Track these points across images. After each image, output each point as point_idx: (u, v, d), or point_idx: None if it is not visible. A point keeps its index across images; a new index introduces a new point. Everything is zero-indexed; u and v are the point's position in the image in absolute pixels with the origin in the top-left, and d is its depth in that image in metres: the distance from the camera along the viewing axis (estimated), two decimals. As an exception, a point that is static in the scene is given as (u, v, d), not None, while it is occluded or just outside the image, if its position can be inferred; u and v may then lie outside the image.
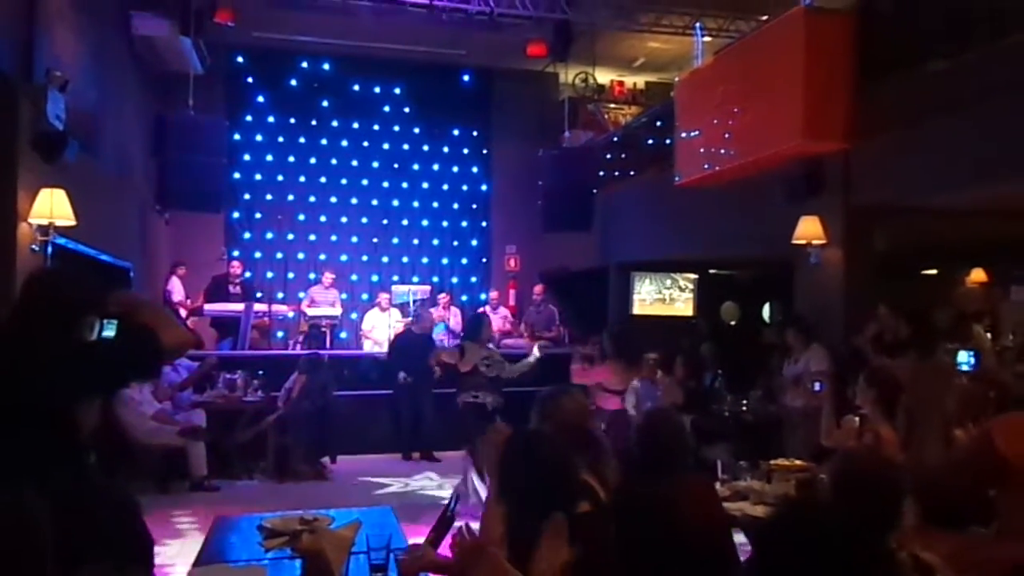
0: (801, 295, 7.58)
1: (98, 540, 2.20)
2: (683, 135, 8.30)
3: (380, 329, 10.07)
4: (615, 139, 11.48)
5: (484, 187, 12.93)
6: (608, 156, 11.37)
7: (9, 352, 2.25)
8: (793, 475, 4.12)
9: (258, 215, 12.02)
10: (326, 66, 12.07)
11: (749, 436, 6.91)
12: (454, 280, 12.77)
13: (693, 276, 11.05)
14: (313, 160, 12.18)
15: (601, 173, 11.28)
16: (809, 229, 7.04)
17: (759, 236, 7.98)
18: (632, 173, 10.91)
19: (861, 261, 7.05)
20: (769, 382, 7.41)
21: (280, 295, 11.56)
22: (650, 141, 10.42)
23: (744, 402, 7.51)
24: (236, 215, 11.81)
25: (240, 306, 9.62)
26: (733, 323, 11.20)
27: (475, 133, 12.86)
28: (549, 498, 2.29)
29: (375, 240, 12.41)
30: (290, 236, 12.06)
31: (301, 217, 12.13)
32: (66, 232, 6.11)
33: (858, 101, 6.37)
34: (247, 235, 11.91)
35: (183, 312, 9.70)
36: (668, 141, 9.07)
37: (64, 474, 2.14)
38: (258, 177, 11.99)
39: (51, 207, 5.81)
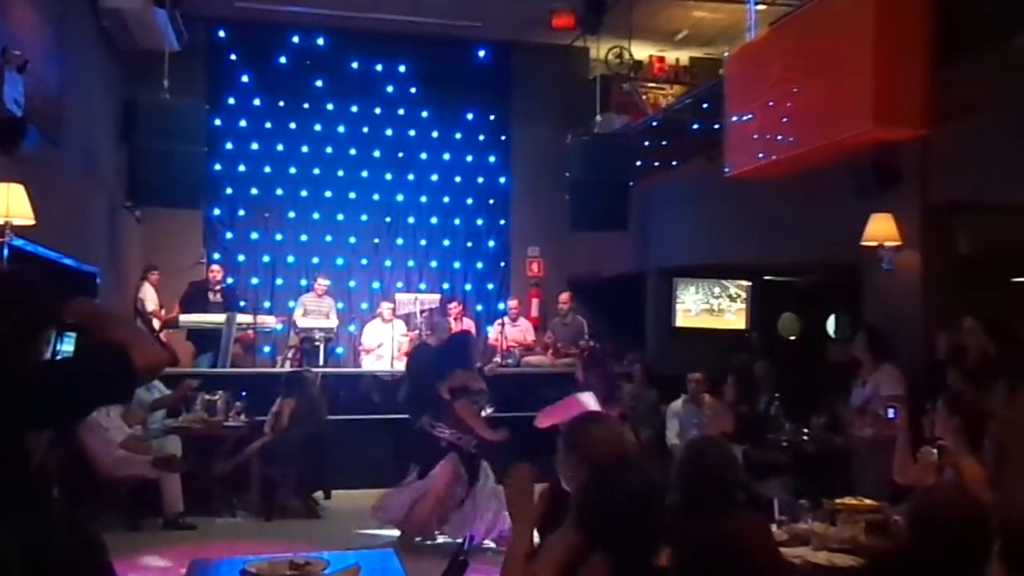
0: (871, 306, 7.54)
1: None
2: (734, 119, 8.25)
3: (384, 345, 10.14)
4: (654, 124, 11.42)
5: (503, 179, 12.93)
6: (646, 144, 11.30)
7: None
8: (862, 516, 4.11)
9: (242, 212, 12.05)
10: (320, 41, 12.10)
11: (810, 470, 6.89)
12: (468, 287, 12.76)
13: (746, 283, 11.04)
14: (305, 149, 12.19)
15: (638, 163, 11.17)
16: (881, 229, 7.00)
17: (823, 237, 7.95)
18: (674, 163, 10.86)
19: (941, 266, 7.00)
20: (834, 408, 7.37)
21: (267, 304, 11.57)
22: (695, 126, 10.33)
23: (805, 431, 7.47)
24: (217, 212, 11.86)
25: (221, 317, 9.69)
26: (792, 338, 11.16)
27: (492, 117, 12.85)
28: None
29: (376, 241, 12.43)
30: (278, 236, 12.10)
31: (291, 214, 12.16)
32: (23, 232, 6.15)
33: (937, 80, 6.32)
34: (229, 235, 11.95)
35: (156, 323, 9.79)
36: (716, 126, 9.00)
37: (18, 510, 2.14)
38: (242, 168, 12.02)
39: (7, 204, 5.84)
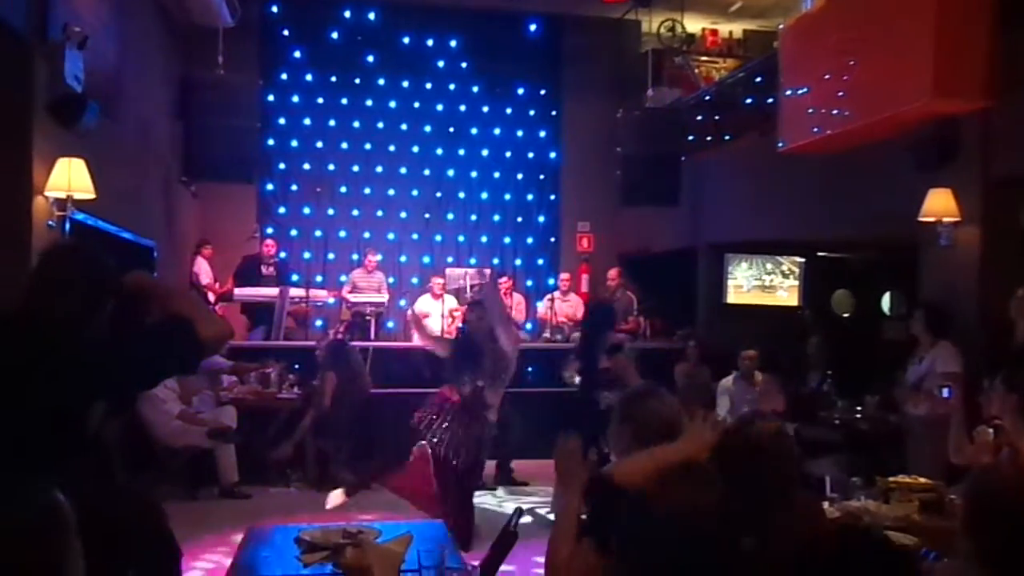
0: (928, 283, 7.41)
1: (120, 548, 2.39)
2: (788, 93, 8.15)
3: (433, 318, 10.16)
4: (707, 98, 11.26)
5: (553, 154, 12.90)
6: (699, 118, 11.16)
7: (26, 338, 2.28)
8: (916, 495, 4.08)
9: (294, 187, 12.16)
10: (372, 16, 12.13)
11: (863, 449, 6.83)
12: (517, 262, 12.80)
13: (799, 259, 10.92)
14: (357, 124, 12.25)
15: (691, 138, 11.11)
16: (939, 204, 6.88)
17: (879, 212, 7.81)
18: (727, 138, 10.72)
19: (1002, 242, 6.82)
20: (888, 386, 7.27)
21: (319, 278, 11.65)
22: (749, 100, 10.22)
23: (858, 409, 7.41)
24: (270, 187, 11.98)
25: (274, 291, 9.81)
26: (846, 315, 11.02)
27: (543, 92, 12.81)
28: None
29: (427, 216, 12.49)
30: (330, 211, 12.19)
31: (343, 189, 12.25)
32: (84, 206, 6.27)
33: (1000, 50, 6.15)
34: (282, 210, 12.08)
35: (211, 296, 9.94)
36: (770, 100, 8.94)
37: (77, 477, 2.18)
38: (294, 144, 12.11)
39: (69, 178, 5.93)
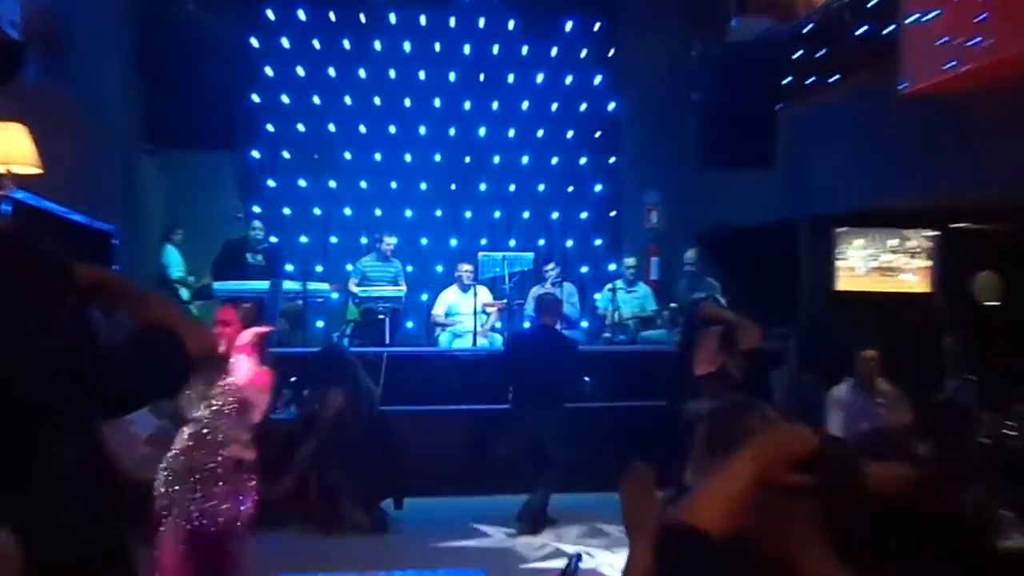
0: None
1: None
2: (913, 19, 8.06)
3: (461, 315, 10.19)
4: (808, 29, 11.08)
5: (611, 106, 12.83)
6: (799, 54, 11.05)
7: None
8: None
9: (286, 154, 12.14)
10: (380, -65, 12.17)
11: (1017, 473, 6.75)
12: (569, 244, 12.77)
13: (930, 233, 10.73)
14: (363, 73, 12.26)
15: (787, 80, 10.90)
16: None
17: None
18: (834, 79, 10.44)
19: None
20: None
21: (319, 268, 11.54)
22: (862, 30, 10.01)
23: (1008, 423, 7.33)
24: (255, 155, 11.97)
25: (264, 284, 9.76)
26: (993, 303, 10.81)
27: (597, 26, 12.78)
28: None
29: (453, 187, 12.54)
30: (332, 184, 12.21)
31: (347, 156, 12.26)
32: (26, 182, 6.27)
33: None
34: (271, 183, 12.08)
35: (185, 293, 9.97)
36: (890, 29, 8.86)
37: (30, 511, 2.19)
38: (285, 100, 12.11)
39: (6, 148, 5.95)
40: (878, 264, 10.70)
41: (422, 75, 12.43)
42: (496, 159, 12.66)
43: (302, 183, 12.19)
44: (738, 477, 2.03)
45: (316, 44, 12.17)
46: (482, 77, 12.53)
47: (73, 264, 2.38)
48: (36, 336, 2.25)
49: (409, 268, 11.55)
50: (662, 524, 2.25)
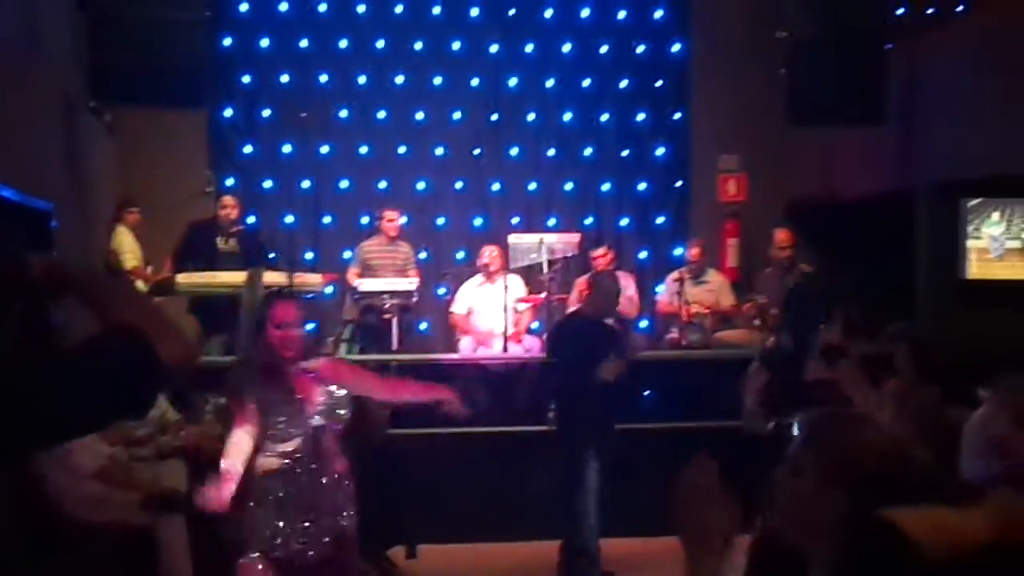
0: None
1: None
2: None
3: (486, 314, 10.07)
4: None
5: (677, 47, 12.28)
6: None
7: None
8: None
9: (267, 112, 11.73)
10: None
11: None
12: (624, 222, 12.30)
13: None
14: (362, 9, 11.77)
15: (901, 11, 10.47)
16: None
17: None
18: (960, 8, 10.11)
19: None
20: None
21: (308, 255, 11.54)
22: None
23: None
24: (228, 113, 11.64)
25: (240, 276, 9.03)
26: None
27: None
28: None
29: (477, 152, 12.01)
30: (324, 148, 11.77)
31: (343, 114, 11.81)
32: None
33: None
34: (248, 148, 11.71)
35: (140, 286, 9.47)
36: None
37: None
38: (265, 43, 11.66)
39: None
40: (1019, 244, 10.37)
41: (436, 10, 11.88)
42: (531, 116, 12.14)
43: (287, 148, 11.75)
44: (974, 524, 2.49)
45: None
46: (512, 12, 12.00)
47: (23, 254, 2.29)
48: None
49: (422, 254, 11.20)
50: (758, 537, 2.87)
